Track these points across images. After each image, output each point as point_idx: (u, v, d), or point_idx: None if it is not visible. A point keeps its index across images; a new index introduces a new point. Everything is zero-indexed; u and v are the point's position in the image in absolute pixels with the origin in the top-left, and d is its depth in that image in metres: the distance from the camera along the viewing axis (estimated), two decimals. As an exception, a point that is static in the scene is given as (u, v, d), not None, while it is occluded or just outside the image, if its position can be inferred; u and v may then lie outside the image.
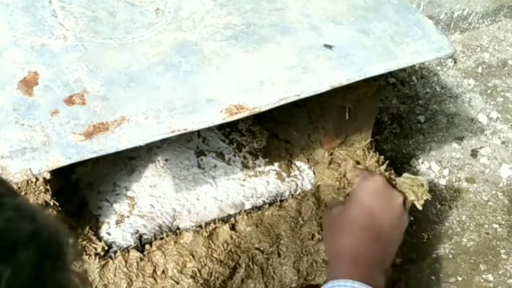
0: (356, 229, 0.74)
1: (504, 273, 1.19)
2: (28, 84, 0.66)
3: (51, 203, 0.67)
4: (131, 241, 0.81)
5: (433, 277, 1.17)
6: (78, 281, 0.34)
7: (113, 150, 0.61)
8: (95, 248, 0.77)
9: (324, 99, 0.84)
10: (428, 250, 1.22)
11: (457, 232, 1.25)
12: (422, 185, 0.81)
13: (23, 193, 0.64)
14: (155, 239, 0.82)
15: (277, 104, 0.67)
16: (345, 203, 0.79)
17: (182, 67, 0.70)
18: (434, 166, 1.37)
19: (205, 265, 0.81)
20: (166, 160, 0.91)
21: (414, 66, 1.55)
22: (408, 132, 1.43)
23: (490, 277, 1.18)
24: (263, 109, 0.66)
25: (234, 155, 0.94)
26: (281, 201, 0.90)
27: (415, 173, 1.35)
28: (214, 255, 0.82)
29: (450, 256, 1.21)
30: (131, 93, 0.66)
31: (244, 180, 0.90)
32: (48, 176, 0.63)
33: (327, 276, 0.73)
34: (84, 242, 0.76)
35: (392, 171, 0.90)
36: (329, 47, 0.73)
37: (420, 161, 1.37)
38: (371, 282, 0.67)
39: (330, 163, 0.88)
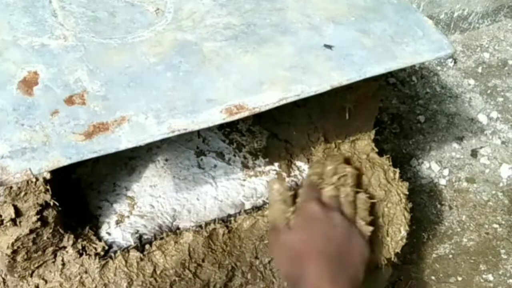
0: (312, 256, 0.70)
1: (504, 273, 1.19)
2: (28, 84, 0.66)
3: (51, 203, 0.67)
4: (131, 241, 0.81)
5: (433, 277, 1.17)
6: None
7: (113, 150, 0.61)
8: (95, 248, 0.77)
9: (324, 99, 0.84)
10: (428, 250, 1.22)
11: (457, 232, 1.25)
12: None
13: (23, 193, 0.64)
14: (155, 239, 0.82)
15: (277, 104, 0.67)
16: (292, 227, 0.74)
17: (182, 67, 0.70)
18: (434, 166, 1.37)
19: (205, 265, 0.81)
20: (166, 160, 0.91)
21: (414, 66, 1.55)
22: (408, 132, 1.43)
23: (490, 277, 1.18)
24: (263, 109, 0.66)
25: (234, 155, 0.94)
26: (281, 201, 0.90)
27: (415, 173, 1.35)
28: (214, 255, 0.82)
29: (450, 256, 1.21)
30: (131, 93, 0.66)
31: (244, 180, 0.90)
32: (48, 176, 0.63)
33: None
34: (84, 242, 0.76)
35: (397, 170, 0.91)
36: (329, 47, 0.73)
37: (420, 161, 1.38)
38: None
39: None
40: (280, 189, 0.77)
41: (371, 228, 0.77)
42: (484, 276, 1.18)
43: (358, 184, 0.83)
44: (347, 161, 0.86)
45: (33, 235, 0.69)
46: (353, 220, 0.76)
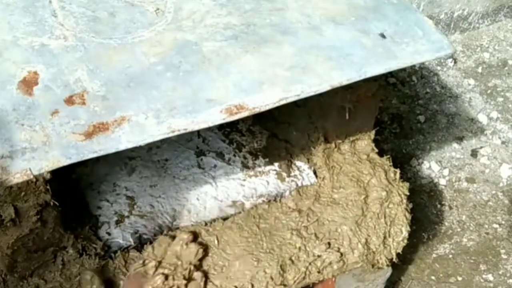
0: None
1: (504, 273, 1.19)
2: (28, 84, 0.66)
3: (51, 203, 0.67)
4: (131, 241, 0.81)
5: (433, 277, 1.17)
6: None
7: (113, 150, 0.61)
8: (95, 248, 0.77)
9: (324, 99, 0.84)
10: (428, 250, 1.22)
11: (457, 232, 1.25)
12: None
13: (23, 193, 0.64)
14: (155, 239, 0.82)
15: (277, 104, 0.67)
16: None
17: (182, 67, 0.70)
18: (434, 166, 1.37)
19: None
20: (166, 160, 0.91)
21: (414, 66, 1.55)
22: (408, 132, 1.43)
23: (490, 277, 1.18)
24: (263, 109, 0.66)
25: (234, 155, 0.94)
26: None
27: (415, 173, 1.35)
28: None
29: (450, 256, 1.21)
30: (131, 93, 0.66)
31: (244, 180, 0.90)
32: (48, 176, 0.63)
33: None
34: (84, 242, 0.76)
35: (398, 170, 0.91)
36: (383, 36, 0.73)
37: (420, 161, 1.38)
38: None
39: None
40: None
41: None
42: (484, 276, 1.18)
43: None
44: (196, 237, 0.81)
45: (33, 235, 0.69)
46: None
